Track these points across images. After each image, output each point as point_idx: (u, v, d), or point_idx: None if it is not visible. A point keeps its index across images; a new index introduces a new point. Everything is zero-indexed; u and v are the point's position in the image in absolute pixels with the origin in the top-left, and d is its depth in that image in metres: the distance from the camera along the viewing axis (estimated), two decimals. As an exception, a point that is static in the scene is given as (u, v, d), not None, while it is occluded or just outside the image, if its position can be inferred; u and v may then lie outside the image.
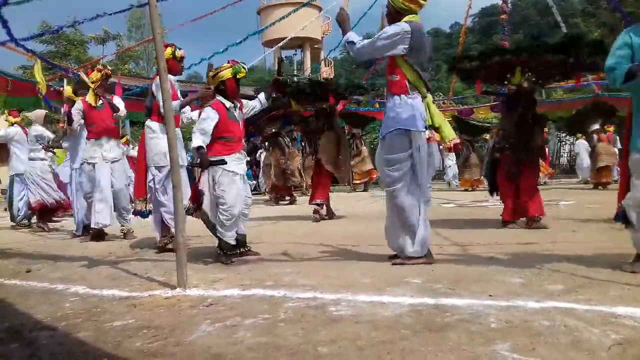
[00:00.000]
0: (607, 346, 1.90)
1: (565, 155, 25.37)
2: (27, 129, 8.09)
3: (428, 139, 3.58)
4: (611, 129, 13.68)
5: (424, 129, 3.55)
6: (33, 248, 5.41)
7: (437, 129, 3.62)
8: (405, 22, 3.53)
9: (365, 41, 3.67)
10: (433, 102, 3.67)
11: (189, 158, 6.13)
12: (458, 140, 3.67)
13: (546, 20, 46.60)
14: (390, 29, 3.52)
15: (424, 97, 3.60)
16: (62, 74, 14.73)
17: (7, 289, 3.38)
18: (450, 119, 14.86)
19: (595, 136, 12.76)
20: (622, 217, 3.21)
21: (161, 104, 4.31)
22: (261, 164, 13.96)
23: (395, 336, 2.10)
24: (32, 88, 9.52)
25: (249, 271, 3.61)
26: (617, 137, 13.14)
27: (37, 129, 7.82)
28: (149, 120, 4.83)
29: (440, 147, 5.58)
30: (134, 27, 34.73)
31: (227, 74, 4.08)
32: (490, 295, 2.66)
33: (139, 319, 2.51)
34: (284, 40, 17.35)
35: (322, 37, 35.65)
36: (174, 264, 3.19)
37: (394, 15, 3.64)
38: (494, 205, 8.72)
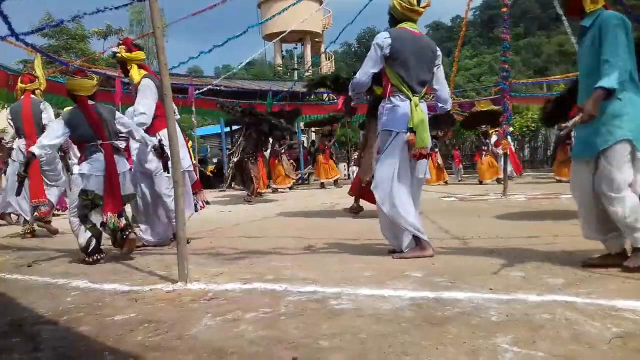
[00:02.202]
0: (608, 339, 1.90)
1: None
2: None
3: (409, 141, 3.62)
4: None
5: (404, 131, 3.63)
6: (34, 242, 5.42)
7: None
8: (388, 30, 3.73)
9: (357, 73, 3.81)
10: (427, 100, 3.72)
11: None
12: (426, 151, 3.63)
13: (547, 13, 46.45)
14: (370, 51, 3.69)
15: (410, 100, 3.63)
16: (63, 68, 14.76)
17: (8, 283, 3.39)
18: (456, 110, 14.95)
19: None
20: None
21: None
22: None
23: (396, 329, 2.10)
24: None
25: (249, 265, 3.62)
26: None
27: None
28: None
29: None
30: (135, 22, 34.63)
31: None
32: (491, 289, 2.66)
33: (140, 313, 2.51)
34: (284, 34, 17.32)
35: (323, 30, 35.58)
36: (174, 258, 3.20)
37: (391, 21, 3.83)
38: (495, 199, 8.73)
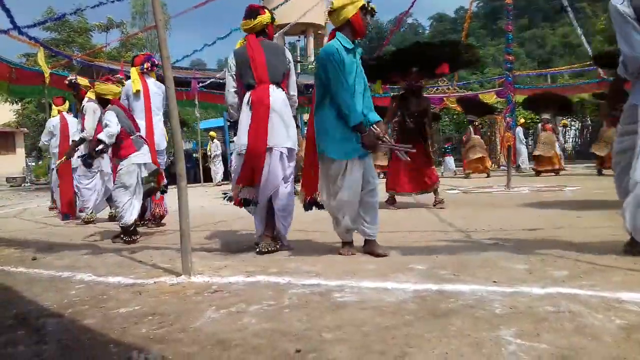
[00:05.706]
0: (612, 331, 1.90)
1: (571, 141, 25.25)
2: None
3: None
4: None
5: None
6: (38, 236, 5.44)
7: None
8: None
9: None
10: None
11: None
12: None
13: (551, 5, 46.14)
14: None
15: None
16: (66, 61, 14.77)
17: (13, 276, 3.40)
18: (455, 103, 14.85)
19: (539, 125, 14.01)
20: None
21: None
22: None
23: (399, 322, 2.11)
24: (36, 76, 9.50)
25: (253, 258, 3.63)
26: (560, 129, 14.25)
27: None
28: None
29: None
30: (137, 14, 34.61)
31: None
32: (495, 281, 2.66)
33: (145, 305, 2.52)
34: (287, 27, 17.26)
35: (326, 23, 35.39)
36: (178, 251, 3.21)
37: None
38: (499, 192, 8.71)
